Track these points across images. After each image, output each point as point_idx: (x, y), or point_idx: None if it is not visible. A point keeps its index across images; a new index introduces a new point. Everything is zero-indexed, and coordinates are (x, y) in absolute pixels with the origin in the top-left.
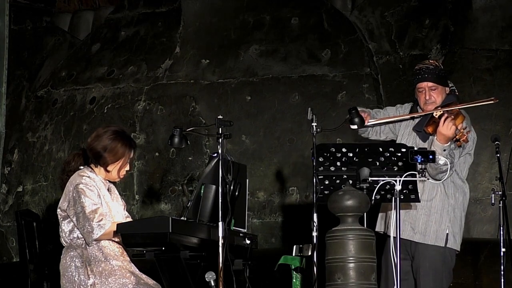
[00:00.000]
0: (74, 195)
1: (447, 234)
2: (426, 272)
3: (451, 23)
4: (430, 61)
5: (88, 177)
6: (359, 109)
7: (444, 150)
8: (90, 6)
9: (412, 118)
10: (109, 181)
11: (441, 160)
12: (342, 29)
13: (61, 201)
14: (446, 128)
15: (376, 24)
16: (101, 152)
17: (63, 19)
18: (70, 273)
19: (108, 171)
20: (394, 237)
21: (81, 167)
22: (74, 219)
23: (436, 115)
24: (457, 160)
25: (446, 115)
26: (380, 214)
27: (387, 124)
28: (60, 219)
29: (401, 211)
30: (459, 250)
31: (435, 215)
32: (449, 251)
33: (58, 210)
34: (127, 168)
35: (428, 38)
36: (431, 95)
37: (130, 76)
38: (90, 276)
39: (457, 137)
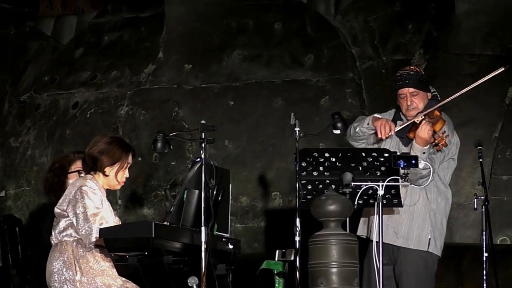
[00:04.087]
0: (76, 196)
1: (429, 239)
2: (409, 277)
3: (434, 28)
4: (411, 67)
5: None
6: (377, 116)
7: (424, 153)
8: (74, 11)
9: (413, 123)
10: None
11: (421, 163)
12: (325, 34)
13: (60, 201)
14: (424, 131)
15: (359, 29)
16: (97, 156)
17: (47, 24)
18: (58, 269)
19: (106, 175)
20: (376, 242)
21: (82, 174)
22: (73, 219)
23: (417, 120)
24: (437, 166)
25: (425, 119)
26: (362, 219)
27: (407, 126)
28: (56, 217)
29: (383, 215)
30: (440, 255)
31: (418, 220)
32: (431, 256)
33: (56, 209)
34: (127, 175)
35: (411, 43)
36: (413, 101)
37: (113, 81)
38: (78, 272)
39: (435, 141)
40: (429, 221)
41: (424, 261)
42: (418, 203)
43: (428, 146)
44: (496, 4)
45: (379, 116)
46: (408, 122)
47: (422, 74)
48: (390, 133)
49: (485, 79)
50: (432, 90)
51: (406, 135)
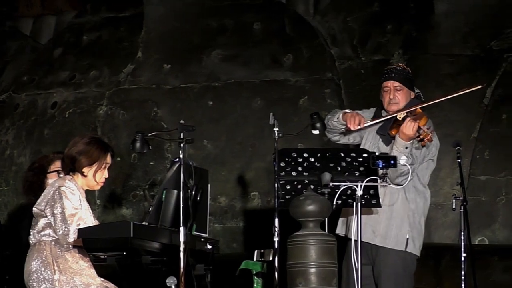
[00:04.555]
0: (55, 196)
1: (407, 238)
2: (388, 277)
3: (413, 29)
4: (400, 64)
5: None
6: (347, 111)
7: (406, 148)
8: (53, 10)
9: (395, 118)
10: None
11: (402, 159)
12: (305, 34)
13: (38, 201)
14: (409, 127)
15: (339, 29)
16: (76, 156)
17: (26, 24)
18: (36, 268)
19: (84, 176)
20: (355, 241)
21: (61, 175)
22: (51, 219)
23: (399, 117)
24: (418, 164)
25: (409, 116)
26: (341, 218)
27: (377, 124)
28: (35, 217)
29: (362, 215)
30: (419, 255)
31: (396, 220)
32: (409, 256)
33: (34, 209)
34: (106, 175)
35: (390, 43)
36: (396, 95)
37: (92, 81)
38: (57, 272)
39: (421, 136)
40: (407, 221)
41: (403, 261)
42: (397, 203)
43: (411, 141)
44: (475, 4)
45: (349, 111)
46: (389, 116)
47: (408, 72)
48: (359, 126)
49: (463, 92)
50: (416, 91)
51: (387, 132)
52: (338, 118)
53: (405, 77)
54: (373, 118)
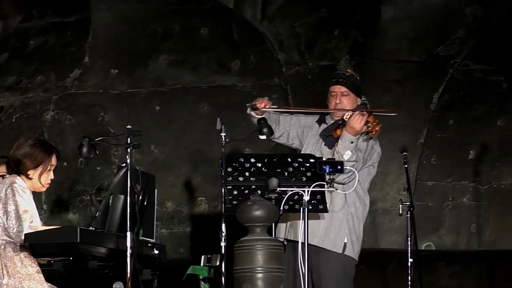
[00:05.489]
0: (7, 193)
1: (345, 242)
2: (328, 281)
3: (360, 34)
4: (348, 70)
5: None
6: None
7: (352, 143)
8: None
9: (342, 121)
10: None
11: (346, 154)
12: (252, 39)
13: None
14: (357, 121)
15: (286, 34)
16: (21, 159)
17: None
18: None
19: (30, 179)
20: (302, 244)
21: (7, 176)
22: (3, 218)
23: (346, 117)
24: (361, 163)
25: (357, 111)
26: (280, 224)
27: (290, 114)
28: None
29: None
30: (357, 260)
31: (335, 222)
32: (348, 260)
33: None
34: (51, 176)
35: (337, 48)
36: (342, 100)
37: (39, 86)
38: (5, 276)
39: (368, 129)
40: (346, 224)
41: (343, 265)
42: (337, 206)
43: (357, 136)
44: (422, 10)
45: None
46: (331, 110)
47: (356, 78)
48: (264, 107)
49: (377, 113)
50: (363, 98)
51: (331, 133)
52: (249, 103)
53: (353, 83)
54: (318, 121)
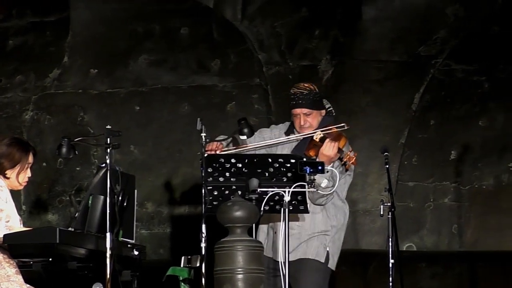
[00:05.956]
0: None
1: (328, 252)
2: (307, 286)
3: (341, 34)
4: (305, 85)
5: None
6: (221, 137)
7: (327, 171)
8: None
9: (311, 138)
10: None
11: (324, 182)
12: (232, 39)
13: None
14: (329, 148)
15: (266, 34)
16: None
17: None
18: None
19: (7, 178)
20: (283, 248)
21: None
22: None
23: (316, 138)
24: (337, 182)
25: (328, 138)
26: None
27: (234, 155)
28: None
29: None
30: (334, 269)
31: (318, 236)
32: (328, 270)
33: None
34: (29, 174)
35: (318, 48)
36: (306, 120)
37: (18, 86)
38: None
39: (344, 160)
40: (329, 237)
41: (324, 273)
42: (318, 222)
43: (331, 164)
44: (402, 10)
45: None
46: (303, 135)
47: (316, 93)
48: (217, 151)
49: (329, 129)
50: (327, 106)
51: (303, 153)
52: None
53: (313, 100)
54: (286, 132)
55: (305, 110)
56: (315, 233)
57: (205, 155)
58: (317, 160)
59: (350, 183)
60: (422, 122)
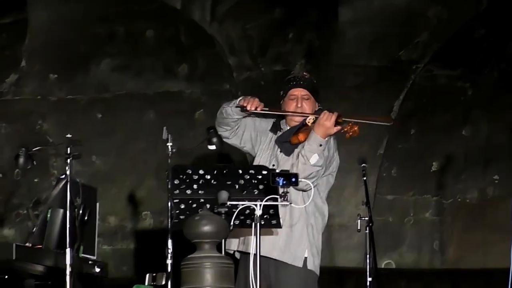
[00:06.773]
0: None
1: (306, 256)
2: None
3: (316, 37)
4: (305, 73)
5: None
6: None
7: (320, 146)
8: None
9: (302, 124)
10: None
11: (314, 158)
12: (201, 42)
13: None
14: (327, 117)
15: (237, 37)
16: None
17: None
18: None
19: None
20: (254, 263)
21: None
22: None
23: (309, 122)
24: (323, 170)
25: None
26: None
27: (279, 116)
28: None
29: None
30: (318, 274)
31: (295, 234)
32: (310, 275)
33: None
34: None
35: (292, 52)
36: (303, 104)
37: None
38: None
39: (346, 129)
40: (306, 236)
41: (305, 282)
42: (296, 217)
43: (327, 138)
44: (382, 12)
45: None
46: (296, 124)
47: (315, 83)
48: (256, 109)
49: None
50: (318, 105)
51: (289, 139)
52: (234, 102)
53: (313, 87)
54: (272, 129)
55: (304, 92)
56: (294, 230)
57: (239, 113)
58: (311, 135)
59: (331, 186)
60: (402, 131)
